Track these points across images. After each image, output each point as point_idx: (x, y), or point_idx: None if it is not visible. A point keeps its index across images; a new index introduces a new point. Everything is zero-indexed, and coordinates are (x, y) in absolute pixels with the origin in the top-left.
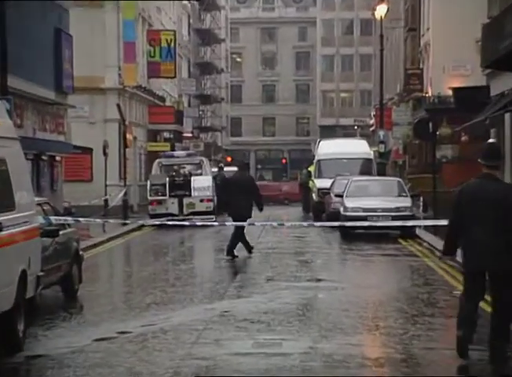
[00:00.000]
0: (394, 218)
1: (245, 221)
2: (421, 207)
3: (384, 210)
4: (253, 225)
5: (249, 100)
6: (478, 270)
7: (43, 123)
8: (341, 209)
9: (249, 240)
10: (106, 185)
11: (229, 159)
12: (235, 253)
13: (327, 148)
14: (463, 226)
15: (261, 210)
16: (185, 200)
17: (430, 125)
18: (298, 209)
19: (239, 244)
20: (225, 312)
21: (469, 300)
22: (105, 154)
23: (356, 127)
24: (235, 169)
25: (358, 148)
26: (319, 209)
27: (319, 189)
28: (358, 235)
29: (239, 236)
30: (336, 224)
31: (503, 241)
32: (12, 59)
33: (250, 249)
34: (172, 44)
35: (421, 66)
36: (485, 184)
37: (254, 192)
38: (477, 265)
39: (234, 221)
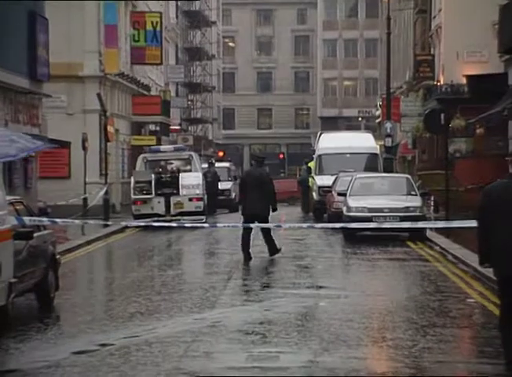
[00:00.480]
0: (403, 219)
1: (259, 220)
2: (432, 207)
3: (391, 210)
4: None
5: (243, 89)
6: (507, 276)
7: (16, 114)
8: (345, 209)
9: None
10: (85, 183)
11: (221, 153)
12: (278, 246)
13: (329, 141)
14: (490, 230)
15: (274, 210)
16: (173, 199)
17: (442, 116)
18: (297, 209)
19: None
20: (216, 322)
21: (506, 309)
22: (84, 148)
23: (360, 119)
24: (226, 165)
25: (363, 141)
26: (319, 209)
27: (319, 187)
28: (363, 237)
29: (268, 233)
30: (339, 225)
31: None
32: None
33: (249, 255)
34: (158, 27)
35: (432, 51)
36: None
37: (268, 189)
38: (504, 270)
39: (245, 220)
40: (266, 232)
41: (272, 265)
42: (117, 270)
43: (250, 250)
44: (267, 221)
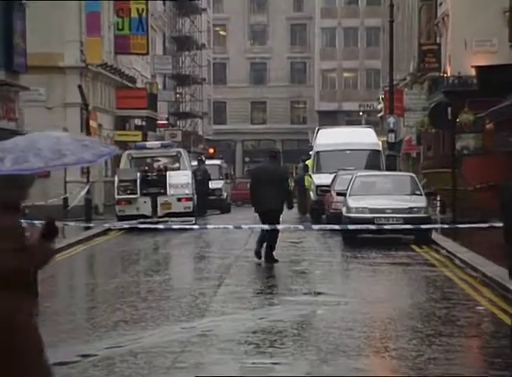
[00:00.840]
0: (407, 221)
1: (274, 218)
2: (438, 208)
3: (394, 211)
4: (239, 228)
5: (235, 81)
6: None
7: None
8: (344, 209)
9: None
10: (65, 182)
11: (211, 150)
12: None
13: (328, 137)
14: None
15: (289, 208)
16: (160, 199)
17: (449, 110)
18: (293, 210)
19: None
20: (207, 331)
21: None
22: None
23: (361, 113)
24: (217, 162)
25: (364, 137)
26: (317, 210)
27: (317, 186)
28: (364, 240)
29: (275, 235)
30: (338, 227)
31: None
32: None
33: (260, 254)
34: (144, 14)
35: (438, 41)
36: None
37: (283, 186)
38: None
39: (261, 219)
40: (273, 234)
41: (267, 270)
42: (100, 275)
43: (262, 250)
44: (278, 219)
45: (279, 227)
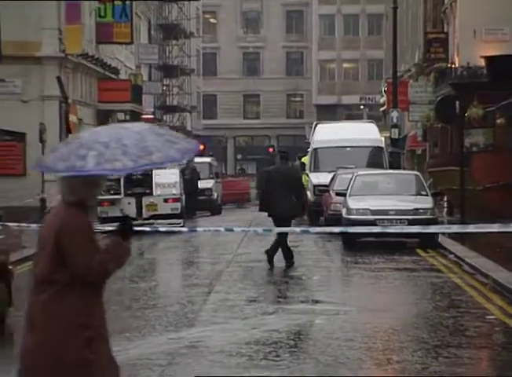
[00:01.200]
0: (411, 223)
1: (288, 222)
2: (445, 209)
3: (398, 212)
4: (231, 230)
5: (226, 72)
6: None
7: None
8: (344, 211)
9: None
10: (43, 181)
11: (201, 147)
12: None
13: (326, 133)
14: None
15: (303, 209)
16: (145, 200)
17: (457, 104)
18: None
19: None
20: (196, 342)
21: None
22: (42, 141)
23: (362, 107)
24: (207, 160)
25: (365, 133)
26: (315, 211)
27: (315, 186)
28: (365, 244)
29: (282, 241)
30: (337, 230)
31: None
32: None
33: (290, 259)
34: (127, 0)
35: (445, 29)
36: None
37: (296, 188)
38: None
39: (275, 222)
40: (283, 237)
41: (260, 276)
42: None
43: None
44: (289, 223)
45: (277, 230)
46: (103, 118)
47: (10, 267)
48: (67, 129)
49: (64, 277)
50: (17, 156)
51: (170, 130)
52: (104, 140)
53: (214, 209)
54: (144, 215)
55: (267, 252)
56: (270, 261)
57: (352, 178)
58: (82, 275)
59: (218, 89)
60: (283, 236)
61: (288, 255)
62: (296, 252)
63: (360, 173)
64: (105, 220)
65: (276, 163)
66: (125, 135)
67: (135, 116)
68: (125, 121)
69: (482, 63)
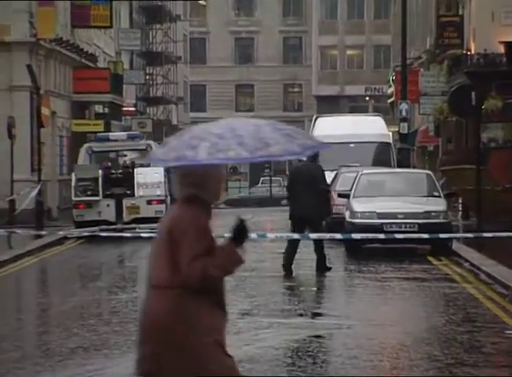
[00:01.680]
0: (422, 228)
1: (311, 225)
2: (460, 212)
3: (408, 215)
4: (221, 237)
5: (216, 59)
6: None
7: None
8: (347, 214)
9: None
10: (12, 181)
11: None
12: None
13: (327, 127)
14: None
15: (324, 216)
16: (126, 202)
17: (473, 95)
18: (287, 214)
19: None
20: None
21: None
22: (11, 136)
23: (367, 98)
24: None
25: (371, 127)
26: None
27: None
28: (371, 251)
29: (321, 246)
30: (339, 236)
31: None
32: None
33: (323, 269)
34: None
35: (460, 12)
36: None
37: (319, 187)
38: None
39: (295, 226)
40: (318, 243)
41: (254, 287)
42: (54, 293)
43: (293, 266)
44: (319, 228)
45: (270, 235)
46: (78, 110)
47: None
48: (38, 123)
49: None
50: None
51: (290, 126)
52: (218, 131)
53: None
54: (125, 219)
55: (283, 263)
56: (287, 268)
57: (356, 178)
58: (183, 275)
59: (207, 78)
60: (318, 243)
61: (322, 264)
62: (294, 260)
63: (365, 172)
64: (81, 224)
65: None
66: (240, 126)
67: (115, 109)
68: (103, 114)
69: (501, 49)
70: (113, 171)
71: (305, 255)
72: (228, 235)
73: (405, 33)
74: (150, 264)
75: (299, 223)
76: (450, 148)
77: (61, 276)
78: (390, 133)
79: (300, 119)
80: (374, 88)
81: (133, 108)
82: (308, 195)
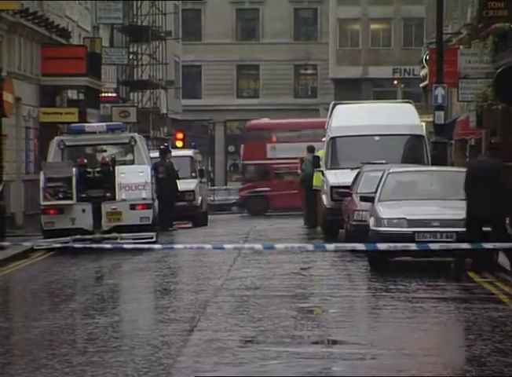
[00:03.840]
0: (461, 238)
1: (491, 224)
2: (508, 219)
3: (444, 223)
4: (221, 248)
5: (214, 35)
6: None
7: None
8: (372, 221)
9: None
10: None
11: (180, 135)
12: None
13: (348, 117)
14: None
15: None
16: (105, 206)
17: None
18: (299, 221)
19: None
20: None
21: None
22: None
23: (396, 82)
24: (189, 153)
25: (399, 117)
26: (333, 221)
27: (333, 188)
28: (399, 265)
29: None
30: (362, 246)
31: None
32: None
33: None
34: None
35: None
36: None
37: (499, 183)
38: None
39: (471, 226)
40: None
41: (259, 309)
42: (18, 317)
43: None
44: (502, 227)
45: (278, 246)
46: (48, 96)
47: None
48: (0, 112)
49: None
50: None
51: None
52: None
53: (198, 218)
54: (104, 227)
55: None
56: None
57: (382, 178)
58: None
59: (203, 58)
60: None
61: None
62: (307, 276)
63: (393, 170)
64: (51, 233)
65: None
66: None
67: (91, 94)
68: (78, 101)
69: None
70: (89, 170)
71: (321, 270)
72: None
73: (441, 4)
74: None
75: (476, 222)
76: (495, 142)
77: (27, 296)
78: (423, 124)
79: (314, 107)
80: (404, 70)
81: (113, 94)
82: (486, 192)
